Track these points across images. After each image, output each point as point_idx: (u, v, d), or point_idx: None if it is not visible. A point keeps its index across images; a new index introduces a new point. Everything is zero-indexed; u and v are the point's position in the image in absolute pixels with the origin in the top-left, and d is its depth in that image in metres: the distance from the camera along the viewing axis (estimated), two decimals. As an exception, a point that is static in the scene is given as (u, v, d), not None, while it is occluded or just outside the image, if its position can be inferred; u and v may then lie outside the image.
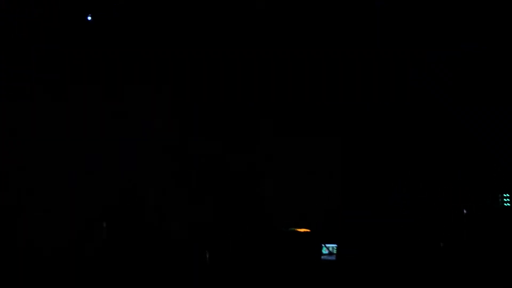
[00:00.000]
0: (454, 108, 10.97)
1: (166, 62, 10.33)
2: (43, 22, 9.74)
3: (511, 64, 10.55)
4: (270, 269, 8.58)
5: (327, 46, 11.18)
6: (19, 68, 9.59)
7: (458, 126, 10.85)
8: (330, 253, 9.07)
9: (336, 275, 8.75)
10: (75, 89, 9.83)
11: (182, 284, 8.16)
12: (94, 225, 9.19)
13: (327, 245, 9.07)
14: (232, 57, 10.75)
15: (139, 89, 10.13)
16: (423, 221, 9.64)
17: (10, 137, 9.36)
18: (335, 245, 9.07)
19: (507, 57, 10.58)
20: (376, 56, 11.23)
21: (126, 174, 9.77)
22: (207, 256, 8.92)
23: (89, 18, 9.63)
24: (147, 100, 10.12)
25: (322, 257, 9.05)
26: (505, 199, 10.19)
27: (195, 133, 10.22)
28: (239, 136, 10.54)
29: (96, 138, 9.78)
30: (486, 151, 10.68)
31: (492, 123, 10.67)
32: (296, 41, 11.04)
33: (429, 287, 8.38)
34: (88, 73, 10.03)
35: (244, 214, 9.68)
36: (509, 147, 10.50)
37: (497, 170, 10.54)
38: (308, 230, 9.19)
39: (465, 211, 9.30)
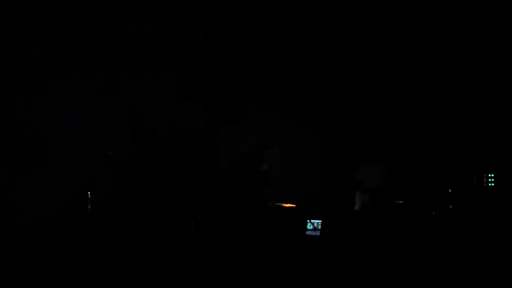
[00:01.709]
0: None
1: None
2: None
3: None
4: (255, 243, 8.52)
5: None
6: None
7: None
8: (315, 229, 9.02)
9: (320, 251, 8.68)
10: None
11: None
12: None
13: (312, 220, 9.02)
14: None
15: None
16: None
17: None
18: (320, 221, 9.02)
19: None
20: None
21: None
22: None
23: None
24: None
25: (307, 232, 8.99)
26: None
27: None
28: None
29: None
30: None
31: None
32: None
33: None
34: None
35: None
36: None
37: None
38: (293, 206, 9.16)
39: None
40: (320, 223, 8.96)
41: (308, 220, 8.93)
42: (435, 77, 11.16)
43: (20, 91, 9.37)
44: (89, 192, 8.74)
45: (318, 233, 8.92)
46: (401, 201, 9.15)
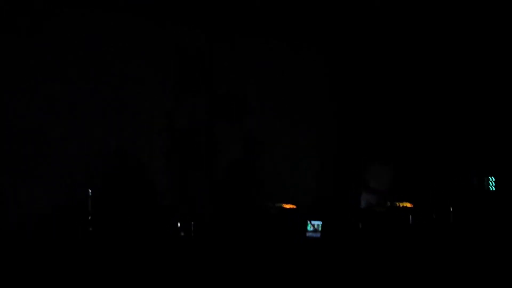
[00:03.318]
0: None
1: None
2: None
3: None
4: (255, 244, 8.49)
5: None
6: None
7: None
8: (315, 230, 9.00)
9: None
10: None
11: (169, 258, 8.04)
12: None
13: (313, 222, 9.01)
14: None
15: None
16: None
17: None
18: (320, 222, 9.01)
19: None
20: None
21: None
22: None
23: None
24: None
25: (307, 234, 8.98)
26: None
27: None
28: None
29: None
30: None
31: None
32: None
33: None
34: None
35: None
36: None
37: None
38: (294, 206, 9.14)
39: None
40: (320, 225, 8.95)
41: (308, 221, 8.92)
42: (435, 78, 11.17)
43: (17, 89, 9.32)
44: (90, 190, 8.69)
45: (318, 235, 8.90)
46: (403, 204, 9.13)
